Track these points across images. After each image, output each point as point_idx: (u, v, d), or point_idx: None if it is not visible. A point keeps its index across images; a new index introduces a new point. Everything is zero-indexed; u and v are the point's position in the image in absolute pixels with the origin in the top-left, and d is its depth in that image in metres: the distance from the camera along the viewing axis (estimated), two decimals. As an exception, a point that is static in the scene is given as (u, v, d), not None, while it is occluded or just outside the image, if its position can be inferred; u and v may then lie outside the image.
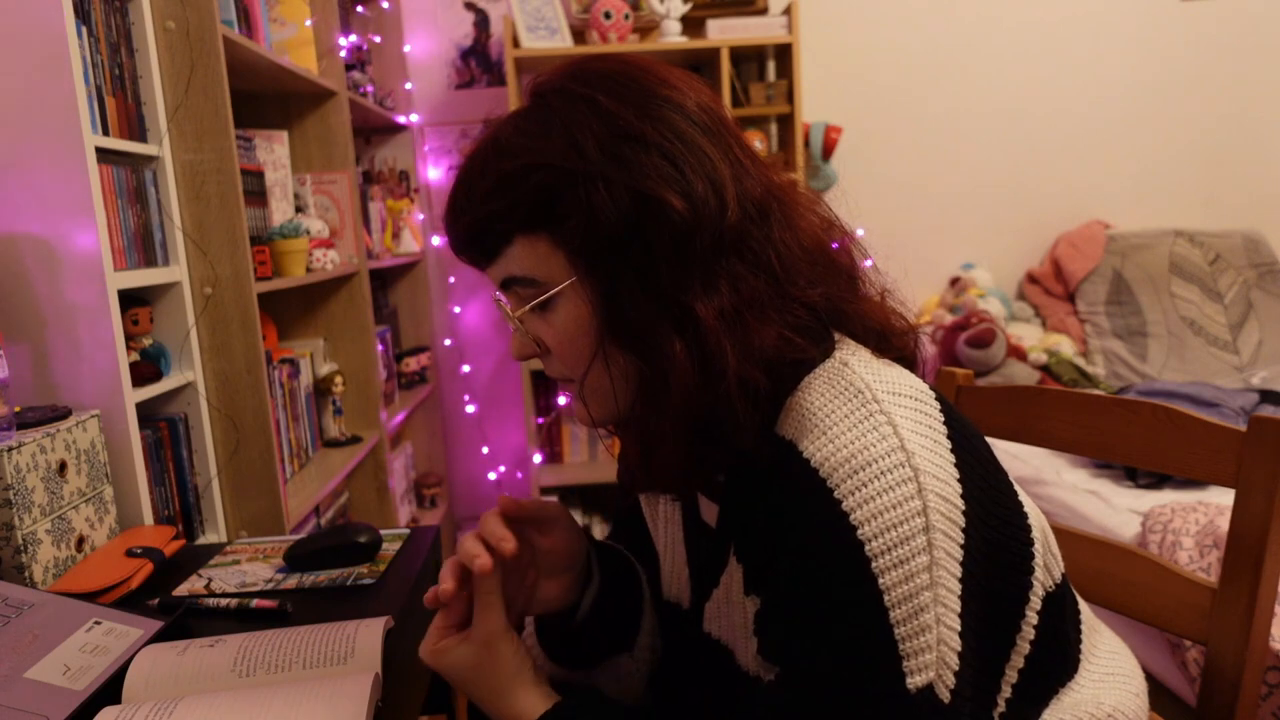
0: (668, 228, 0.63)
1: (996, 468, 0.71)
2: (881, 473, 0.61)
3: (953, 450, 0.66)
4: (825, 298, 0.69)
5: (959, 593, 0.62)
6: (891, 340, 0.73)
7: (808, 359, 0.67)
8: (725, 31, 2.56)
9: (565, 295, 0.68)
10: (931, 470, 0.63)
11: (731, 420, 0.65)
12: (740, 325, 0.64)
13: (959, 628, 0.62)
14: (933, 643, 0.60)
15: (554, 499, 0.82)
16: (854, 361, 0.68)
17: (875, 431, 0.62)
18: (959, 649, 0.62)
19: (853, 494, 0.61)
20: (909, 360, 0.75)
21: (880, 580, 0.59)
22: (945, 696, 0.61)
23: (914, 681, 0.60)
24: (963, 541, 0.63)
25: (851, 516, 0.60)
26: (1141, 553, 1.00)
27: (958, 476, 0.64)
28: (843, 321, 0.72)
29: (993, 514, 0.68)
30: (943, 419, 0.67)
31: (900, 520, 0.60)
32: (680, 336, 0.64)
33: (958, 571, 0.62)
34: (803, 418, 0.65)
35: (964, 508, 0.64)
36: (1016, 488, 0.73)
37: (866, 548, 0.60)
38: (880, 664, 0.60)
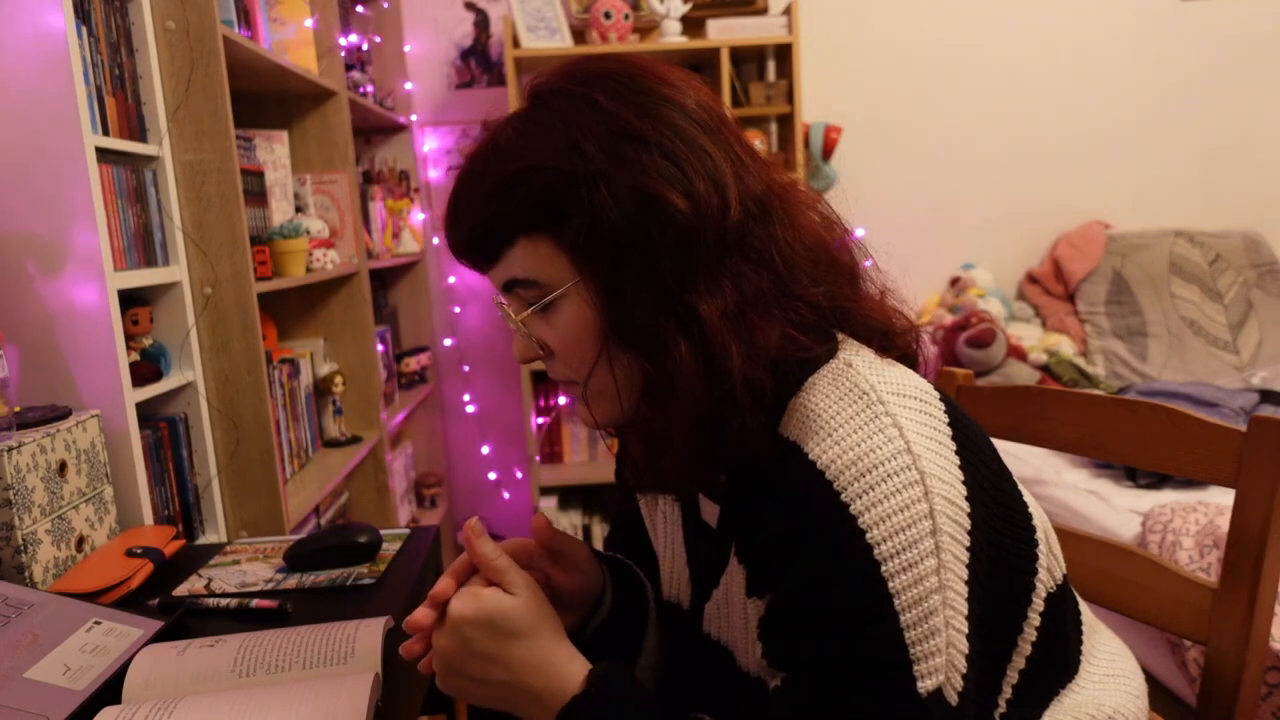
0: (671, 227, 0.63)
1: (1001, 468, 0.71)
2: (888, 475, 0.61)
3: (957, 452, 0.65)
4: (828, 296, 0.69)
5: (965, 595, 0.62)
6: (894, 339, 0.73)
7: (812, 357, 0.67)
8: (725, 31, 2.56)
9: (568, 297, 0.67)
10: (937, 472, 0.62)
11: (737, 420, 0.64)
12: (744, 324, 0.64)
13: (966, 630, 0.62)
14: (942, 646, 0.60)
15: (579, 540, 0.81)
16: (858, 362, 0.67)
17: (881, 434, 0.62)
18: (966, 651, 0.62)
19: (860, 497, 0.60)
20: (911, 359, 0.75)
21: (890, 584, 0.59)
22: (953, 699, 0.61)
23: (924, 685, 0.59)
24: (968, 544, 0.63)
25: (860, 520, 0.60)
26: (1141, 553, 1.00)
27: (962, 478, 0.64)
28: (846, 321, 0.71)
29: (997, 515, 0.67)
30: (947, 420, 0.67)
31: (908, 523, 0.60)
32: (685, 337, 0.64)
33: (964, 574, 0.62)
34: (807, 419, 0.65)
35: (969, 509, 0.64)
36: (1021, 488, 0.73)
37: (876, 551, 0.59)
38: (891, 668, 0.59)
